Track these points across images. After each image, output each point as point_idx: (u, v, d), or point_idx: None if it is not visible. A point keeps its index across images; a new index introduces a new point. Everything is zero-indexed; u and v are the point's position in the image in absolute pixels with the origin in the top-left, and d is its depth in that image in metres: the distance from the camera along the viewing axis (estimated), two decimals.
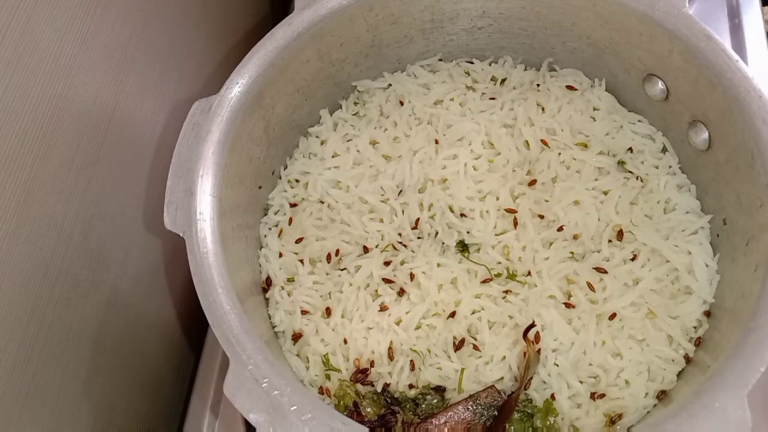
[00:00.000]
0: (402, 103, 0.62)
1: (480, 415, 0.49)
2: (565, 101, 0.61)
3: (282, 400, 0.42)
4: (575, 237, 0.54)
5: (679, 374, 0.51)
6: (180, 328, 0.65)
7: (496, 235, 0.55)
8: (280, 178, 0.61)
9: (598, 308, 0.51)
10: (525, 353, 0.50)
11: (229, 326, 0.44)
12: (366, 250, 0.56)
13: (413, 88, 0.63)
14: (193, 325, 0.66)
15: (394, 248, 0.55)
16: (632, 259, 0.53)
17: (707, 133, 0.54)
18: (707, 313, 0.52)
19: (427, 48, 0.64)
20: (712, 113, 0.52)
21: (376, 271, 0.54)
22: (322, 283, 0.55)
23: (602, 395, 0.49)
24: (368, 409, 0.50)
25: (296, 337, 0.54)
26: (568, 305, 0.52)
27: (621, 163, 0.58)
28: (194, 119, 0.51)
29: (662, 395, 0.50)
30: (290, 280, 0.56)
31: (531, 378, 0.50)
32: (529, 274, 0.53)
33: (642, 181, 0.57)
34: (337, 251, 0.56)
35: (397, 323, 0.52)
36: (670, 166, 0.58)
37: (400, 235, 0.56)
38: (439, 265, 0.54)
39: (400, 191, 0.58)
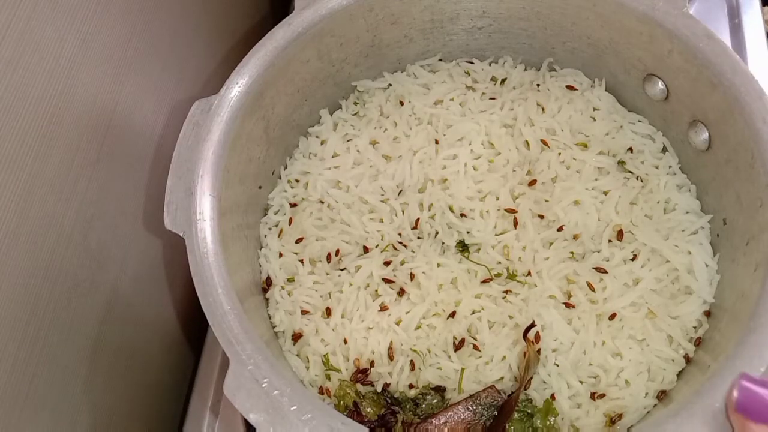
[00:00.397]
0: (402, 103, 0.62)
1: (480, 415, 0.49)
2: (565, 101, 0.61)
3: (282, 400, 0.42)
4: (575, 237, 0.54)
5: (679, 374, 0.51)
6: (180, 328, 0.65)
7: (496, 235, 0.55)
8: (280, 178, 0.61)
9: (598, 308, 0.51)
10: (525, 353, 0.50)
11: (229, 326, 0.44)
12: (366, 250, 0.56)
13: (413, 88, 0.63)
14: (193, 325, 0.66)
15: (394, 248, 0.55)
16: (632, 259, 0.53)
17: (707, 133, 0.54)
18: (707, 313, 0.52)
19: (427, 48, 0.64)
20: (712, 113, 0.52)
21: (376, 271, 0.54)
22: (322, 283, 0.55)
23: (602, 395, 0.49)
24: (368, 409, 0.50)
25: (296, 337, 0.54)
26: (568, 305, 0.52)
27: (621, 163, 0.58)
28: (194, 119, 0.51)
29: (662, 395, 0.50)
30: (290, 280, 0.56)
31: (531, 378, 0.50)
32: (529, 274, 0.53)
33: (642, 181, 0.57)
34: (337, 251, 0.56)
35: (397, 323, 0.52)
36: (670, 166, 0.58)
37: (400, 235, 0.56)
38: (439, 265, 0.54)
39: (400, 191, 0.58)
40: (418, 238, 0.56)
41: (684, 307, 0.51)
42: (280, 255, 0.57)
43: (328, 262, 0.56)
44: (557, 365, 0.50)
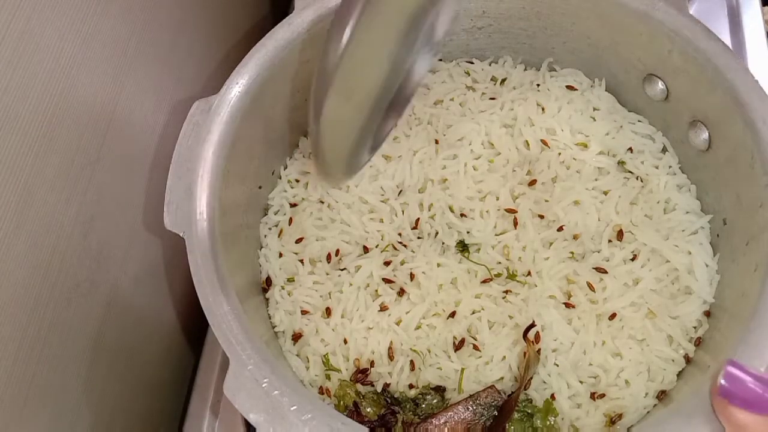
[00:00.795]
0: None
1: (480, 415, 0.49)
2: (565, 101, 0.61)
3: (282, 400, 0.42)
4: (575, 237, 0.54)
5: (679, 374, 0.51)
6: (180, 328, 0.65)
7: (496, 235, 0.55)
8: (280, 178, 0.61)
9: (598, 308, 0.51)
10: (525, 353, 0.50)
11: (229, 326, 0.44)
12: (366, 250, 0.56)
13: None
14: (193, 325, 0.66)
15: (394, 248, 0.55)
16: (632, 259, 0.53)
17: (707, 133, 0.54)
18: (707, 313, 0.52)
19: None
20: (712, 113, 0.53)
21: (376, 271, 0.54)
22: (322, 283, 0.55)
23: (602, 395, 0.49)
24: (368, 409, 0.50)
25: (296, 337, 0.54)
26: (568, 305, 0.52)
27: (621, 163, 0.58)
28: (194, 119, 0.51)
29: (662, 395, 0.50)
30: (290, 280, 0.56)
31: (531, 378, 0.50)
32: (529, 274, 0.53)
33: (642, 181, 0.57)
34: (337, 251, 0.56)
35: (397, 323, 0.52)
36: (670, 166, 0.58)
37: (400, 235, 0.56)
38: (439, 265, 0.54)
39: (400, 191, 0.58)
40: (418, 238, 0.56)
41: (684, 307, 0.51)
42: (280, 255, 0.57)
43: (328, 262, 0.56)
44: (557, 365, 0.50)
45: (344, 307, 0.53)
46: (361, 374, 0.51)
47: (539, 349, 0.50)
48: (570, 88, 0.62)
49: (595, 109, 0.61)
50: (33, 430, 0.44)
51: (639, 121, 0.60)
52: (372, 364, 0.52)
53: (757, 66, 0.71)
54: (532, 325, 0.50)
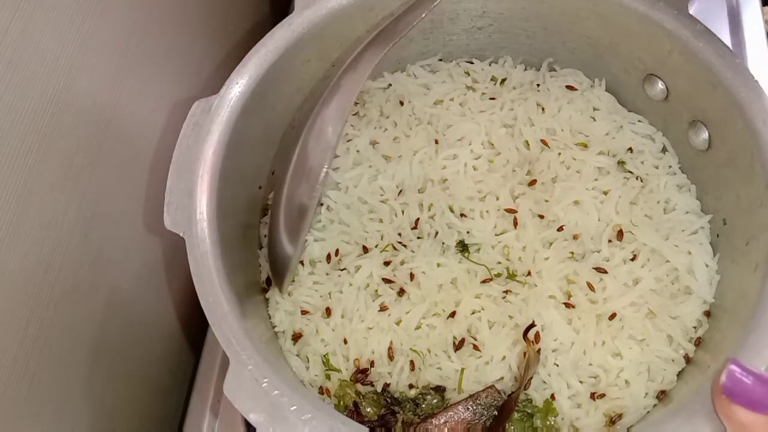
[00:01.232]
0: (402, 103, 0.62)
1: (480, 415, 0.49)
2: (565, 101, 0.61)
3: (282, 400, 0.42)
4: (575, 237, 0.54)
5: (679, 374, 0.51)
6: (180, 328, 0.65)
7: (496, 235, 0.55)
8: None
9: (598, 308, 0.51)
10: (525, 353, 0.50)
11: (229, 326, 0.44)
12: (366, 250, 0.56)
13: (413, 88, 0.63)
14: (193, 325, 0.66)
15: (394, 248, 0.55)
16: (632, 259, 0.53)
17: (707, 133, 0.54)
18: (707, 313, 0.52)
19: (427, 48, 0.64)
20: (712, 113, 0.53)
21: (376, 271, 0.54)
22: (322, 283, 0.55)
23: (602, 395, 0.49)
24: (368, 409, 0.50)
25: (296, 337, 0.54)
26: (568, 305, 0.52)
27: (621, 163, 0.58)
28: (194, 119, 0.51)
29: (662, 395, 0.50)
30: (290, 280, 0.56)
31: (531, 378, 0.50)
32: (529, 274, 0.53)
33: (642, 181, 0.57)
34: (337, 251, 0.56)
35: (397, 323, 0.52)
36: (670, 166, 0.58)
37: (399, 235, 0.56)
38: (439, 265, 0.54)
39: (400, 191, 0.58)
40: (418, 238, 0.56)
41: (684, 307, 0.51)
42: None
43: (328, 263, 0.56)
44: (557, 365, 0.50)
45: (344, 307, 0.53)
46: (361, 374, 0.51)
47: (539, 349, 0.50)
48: (570, 88, 0.62)
49: (595, 109, 0.61)
50: (33, 430, 0.44)
51: (639, 121, 0.60)
52: (372, 364, 0.52)
53: (757, 66, 0.71)
54: (532, 325, 0.50)
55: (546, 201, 0.56)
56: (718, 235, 0.54)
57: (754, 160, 0.48)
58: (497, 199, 0.56)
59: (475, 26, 0.63)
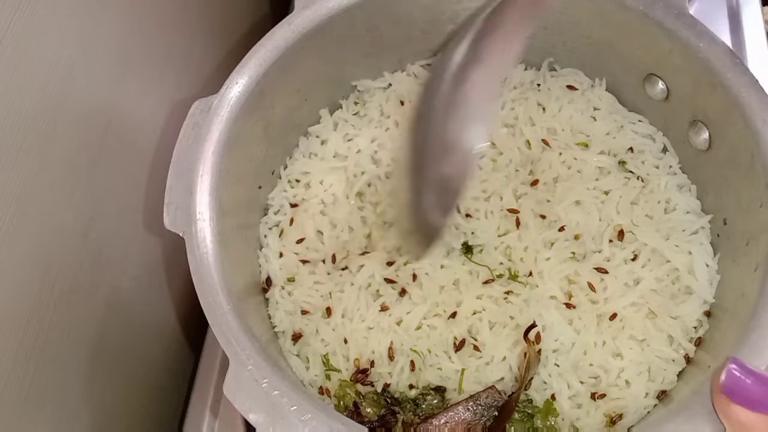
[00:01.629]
0: (402, 103, 0.62)
1: (480, 415, 0.48)
2: (565, 101, 0.60)
3: (282, 400, 0.42)
4: (576, 237, 0.54)
5: (680, 374, 0.51)
6: (180, 328, 0.65)
7: (499, 235, 0.55)
8: (280, 178, 0.61)
9: (598, 308, 0.51)
10: (525, 354, 0.50)
11: (228, 326, 0.44)
12: (368, 250, 0.56)
13: (413, 88, 0.63)
14: (193, 325, 0.66)
15: (398, 250, 0.55)
16: (633, 259, 0.53)
17: (707, 133, 0.54)
18: (707, 313, 0.52)
19: (427, 48, 0.64)
20: (713, 113, 0.52)
21: (379, 270, 0.54)
22: (322, 282, 0.55)
23: (603, 395, 0.49)
24: (368, 410, 0.50)
25: (296, 337, 0.54)
26: (568, 306, 0.52)
27: (622, 162, 0.58)
28: (194, 119, 0.51)
29: (662, 395, 0.50)
30: (290, 280, 0.56)
31: (531, 378, 0.50)
32: (530, 274, 0.53)
33: (643, 181, 0.57)
34: (339, 251, 0.56)
35: (398, 323, 0.52)
36: (670, 166, 0.58)
37: None
38: (443, 266, 0.54)
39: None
40: None
41: (684, 307, 0.51)
42: (281, 255, 0.57)
43: (333, 263, 0.56)
44: (558, 365, 0.50)
45: (345, 306, 0.53)
46: (361, 374, 0.51)
47: (540, 350, 0.50)
48: (570, 87, 0.62)
49: (595, 109, 0.61)
50: (33, 430, 0.44)
51: (639, 120, 0.60)
52: (372, 364, 0.52)
53: (757, 66, 0.71)
54: (533, 326, 0.50)
55: (548, 201, 0.56)
56: (718, 235, 0.54)
57: (754, 160, 0.48)
58: (501, 199, 0.56)
59: None
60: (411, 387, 0.51)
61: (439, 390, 0.50)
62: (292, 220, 0.58)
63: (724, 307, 0.51)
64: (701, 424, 0.40)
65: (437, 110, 0.45)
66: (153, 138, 0.57)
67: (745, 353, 0.42)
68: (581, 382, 0.50)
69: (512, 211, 0.55)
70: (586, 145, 0.58)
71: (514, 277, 0.53)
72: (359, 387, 0.51)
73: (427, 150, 0.45)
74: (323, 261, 0.56)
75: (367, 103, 0.63)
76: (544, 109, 0.60)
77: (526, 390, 0.49)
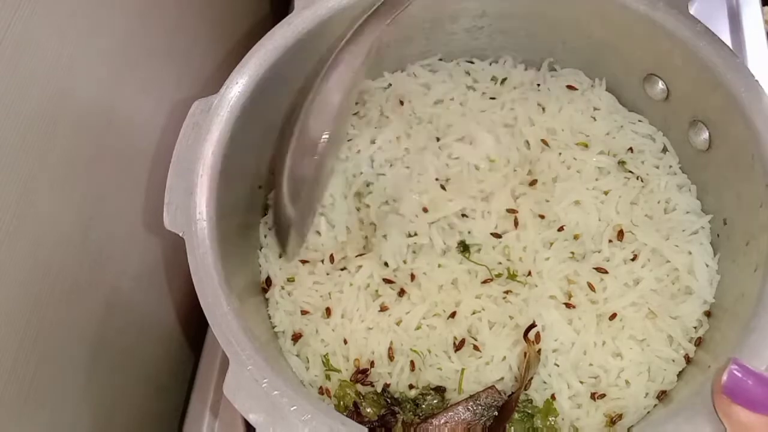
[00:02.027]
0: (402, 103, 0.62)
1: (480, 415, 0.49)
2: (565, 101, 0.61)
3: (282, 400, 0.42)
4: (576, 237, 0.54)
5: (680, 374, 0.51)
6: (180, 328, 0.65)
7: (496, 235, 0.55)
8: None
9: (598, 308, 0.51)
10: (525, 353, 0.50)
11: (228, 326, 0.44)
12: (366, 250, 0.56)
13: (413, 88, 0.63)
14: (193, 325, 0.66)
15: None
16: (633, 259, 0.53)
17: (707, 133, 0.54)
18: (707, 313, 0.52)
19: (427, 48, 0.64)
20: (713, 113, 0.53)
21: (377, 271, 0.54)
22: (322, 283, 0.55)
23: (602, 395, 0.49)
24: (368, 410, 0.50)
25: (296, 337, 0.54)
26: (568, 305, 0.52)
27: (621, 162, 0.58)
28: (194, 119, 0.51)
29: (662, 395, 0.50)
30: (290, 280, 0.56)
31: (531, 378, 0.50)
32: (529, 274, 0.53)
33: (642, 181, 0.57)
34: (337, 251, 0.56)
35: (398, 323, 0.52)
36: (670, 166, 0.58)
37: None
38: (440, 265, 0.54)
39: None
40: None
41: (684, 307, 0.51)
42: (280, 255, 0.57)
43: (332, 263, 0.56)
44: (557, 365, 0.50)
45: (344, 307, 0.53)
46: (361, 374, 0.51)
47: (539, 350, 0.50)
48: (570, 87, 0.62)
49: (595, 109, 0.61)
50: (33, 429, 0.44)
51: (639, 120, 0.60)
52: (372, 364, 0.52)
53: (757, 66, 0.71)
54: (533, 326, 0.50)
55: (547, 201, 0.56)
56: (718, 235, 0.54)
57: (754, 160, 0.48)
58: (499, 199, 0.56)
59: (476, 26, 0.63)
60: (411, 387, 0.51)
61: (439, 390, 0.50)
62: None
63: (724, 307, 0.51)
64: (701, 424, 0.40)
65: (303, 112, 0.51)
66: (153, 138, 0.57)
67: (746, 353, 0.42)
68: (581, 382, 0.50)
69: (511, 210, 0.55)
70: (586, 145, 0.58)
71: (512, 276, 0.53)
72: (359, 387, 0.51)
73: (289, 151, 0.50)
74: (322, 261, 0.56)
75: (367, 103, 0.63)
76: (543, 109, 0.60)
77: (526, 390, 0.49)
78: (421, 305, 0.52)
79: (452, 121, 0.60)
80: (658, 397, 0.50)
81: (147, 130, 0.56)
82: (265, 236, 0.58)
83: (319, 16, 0.55)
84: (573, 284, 0.53)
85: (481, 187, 0.57)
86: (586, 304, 0.52)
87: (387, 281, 0.54)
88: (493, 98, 0.62)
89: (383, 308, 0.53)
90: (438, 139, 0.59)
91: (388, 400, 0.51)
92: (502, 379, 0.51)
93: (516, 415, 0.49)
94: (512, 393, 0.50)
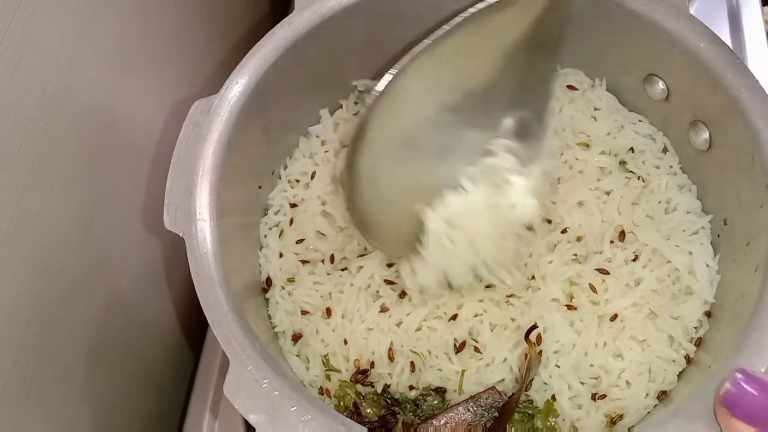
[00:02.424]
0: None
1: (480, 416, 0.48)
2: (566, 101, 0.60)
3: (282, 400, 0.42)
4: (579, 239, 0.54)
5: (680, 374, 0.50)
6: (180, 328, 0.65)
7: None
8: (280, 178, 0.61)
9: (599, 309, 0.51)
10: (526, 355, 0.50)
11: (228, 326, 0.44)
12: (367, 250, 0.56)
13: None
14: (193, 325, 0.66)
15: None
16: (634, 260, 0.53)
17: (708, 133, 0.54)
18: (708, 314, 0.52)
19: None
20: (713, 113, 0.52)
21: (378, 272, 0.54)
22: (322, 283, 0.55)
23: (603, 396, 0.49)
24: (368, 410, 0.50)
25: (296, 337, 0.54)
26: (570, 307, 0.52)
27: (622, 163, 0.58)
28: (194, 119, 0.51)
29: (663, 395, 0.50)
30: (290, 280, 0.56)
31: (532, 379, 0.49)
32: (533, 278, 0.53)
33: (643, 181, 0.56)
34: (338, 252, 0.56)
35: (398, 325, 0.52)
36: (671, 166, 0.58)
37: None
38: None
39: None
40: None
41: (685, 308, 0.51)
42: (281, 255, 0.57)
43: (332, 263, 0.56)
44: (558, 366, 0.50)
45: (344, 307, 0.53)
46: (362, 375, 0.51)
47: (540, 351, 0.50)
48: (571, 87, 0.62)
49: (596, 109, 0.61)
50: (33, 430, 0.44)
51: (640, 120, 0.60)
52: (372, 364, 0.52)
53: (757, 66, 0.70)
54: (534, 327, 0.50)
55: (553, 203, 0.55)
56: (718, 236, 0.54)
57: (755, 160, 0.48)
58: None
59: None
60: (411, 388, 0.51)
61: (440, 391, 0.50)
62: (291, 221, 0.58)
63: (725, 307, 0.51)
64: (701, 424, 0.40)
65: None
66: (153, 138, 0.57)
67: (746, 353, 0.42)
68: (582, 383, 0.50)
69: None
70: (587, 145, 0.58)
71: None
72: (359, 387, 0.51)
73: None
74: (322, 261, 0.56)
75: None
76: None
77: (526, 391, 0.49)
78: (422, 307, 0.52)
79: None
80: (658, 398, 0.50)
81: (147, 131, 0.56)
82: (265, 236, 0.58)
83: (319, 16, 0.55)
84: (575, 286, 0.53)
85: None
86: (587, 306, 0.51)
87: (388, 282, 0.54)
88: None
89: (383, 309, 0.53)
90: None
91: (389, 400, 0.51)
92: (503, 380, 0.50)
93: (516, 416, 0.49)
94: (513, 394, 0.50)
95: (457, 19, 0.48)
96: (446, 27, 0.49)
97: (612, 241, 0.54)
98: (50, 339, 0.45)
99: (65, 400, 0.47)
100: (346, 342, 0.52)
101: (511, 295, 0.52)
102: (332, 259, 0.56)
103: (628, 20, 0.55)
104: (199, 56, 0.65)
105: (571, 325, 0.51)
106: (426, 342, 0.52)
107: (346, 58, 0.61)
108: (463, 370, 0.50)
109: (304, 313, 0.54)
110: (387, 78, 0.47)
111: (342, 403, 0.51)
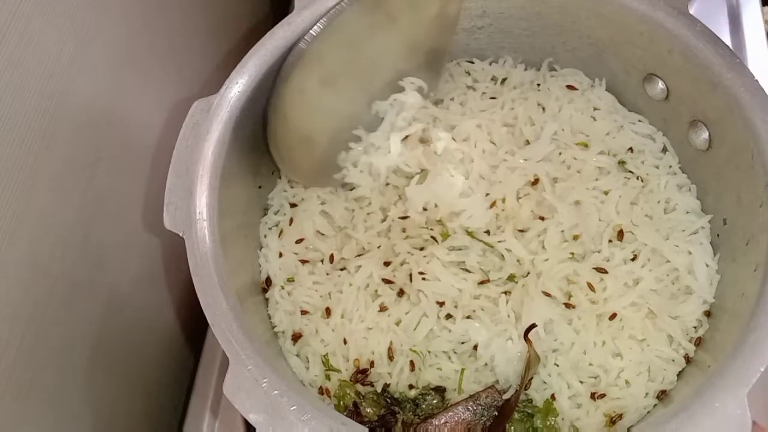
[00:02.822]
0: None
1: (480, 415, 0.49)
2: (565, 101, 0.60)
3: (282, 400, 0.42)
4: (576, 237, 0.54)
5: (679, 374, 0.51)
6: (180, 328, 0.65)
7: (496, 236, 0.55)
8: (280, 178, 0.61)
9: (598, 308, 0.51)
10: (526, 354, 0.50)
11: (228, 326, 0.44)
12: (365, 250, 0.56)
13: None
14: (193, 325, 0.66)
15: (394, 250, 0.55)
16: (632, 259, 0.53)
17: (707, 133, 0.54)
18: (707, 313, 0.52)
19: None
20: (713, 113, 0.52)
21: (376, 271, 0.54)
22: (321, 283, 0.55)
23: (602, 395, 0.49)
24: (368, 410, 0.50)
25: (296, 337, 0.54)
26: (568, 306, 0.52)
27: (621, 162, 0.58)
28: (194, 119, 0.51)
29: (662, 395, 0.50)
30: (290, 280, 0.56)
31: (531, 378, 0.50)
32: (527, 275, 0.53)
33: (642, 180, 0.56)
34: (337, 251, 0.56)
35: (397, 324, 0.52)
36: (670, 166, 0.58)
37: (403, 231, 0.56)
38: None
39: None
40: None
41: (684, 307, 0.51)
42: (280, 255, 0.57)
43: (331, 263, 0.56)
44: (557, 365, 0.50)
45: (344, 307, 0.53)
46: (361, 374, 0.51)
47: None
48: (570, 87, 0.62)
49: (595, 109, 0.61)
50: (33, 430, 0.44)
51: (639, 120, 0.60)
52: (372, 364, 0.52)
53: (757, 66, 0.71)
54: (533, 326, 0.50)
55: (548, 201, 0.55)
56: (718, 235, 0.54)
57: (754, 160, 0.48)
58: (503, 200, 0.56)
59: (476, 26, 0.63)
60: (411, 387, 0.51)
61: (439, 390, 0.50)
62: (291, 220, 0.58)
63: (724, 307, 0.51)
64: (701, 424, 0.40)
65: None
66: (153, 138, 0.57)
67: (746, 353, 0.42)
68: (581, 382, 0.50)
69: (512, 211, 0.55)
70: (586, 145, 0.58)
71: (512, 277, 0.53)
72: (359, 387, 0.51)
73: None
74: (322, 261, 0.56)
75: None
76: (543, 108, 0.60)
77: (526, 390, 0.49)
78: (421, 306, 0.52)
79: (452, 120, 0.60)
80: (657, 397, 0.50)
81: (147, 131, 0.56)
82: (265, 236, 0.58)
83: (319, 16, 0.55)
84: (573, 284, 0.53)
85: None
86: (585, 304, 0.51)
87: (386, 281, 0.54)
88: (493, 98, 0.62)
89: (383, 308, 0.53)
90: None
91: (388, 400, 0.51)
92: (503, 379, 0.50)
93: (516, 415, 0.49)
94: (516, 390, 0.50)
95: None
96: None
97: (610, 241, 0.54)
98: (50, 339, 0.45)
99: (65, 400, 0.47)
100: (345, 341, 0.52)
101: (507, 293, 0.52)
102: (331, 258, 0.56)
103: (628, 20, 0.55)
104: (199, 56, 0.65)
105: (569, 324, 0.51)
106: (425, 342, 0.52)
107: None
108: (463, 369, 0.50)
109: (303, 312, 0.54)
110: (316, 29, 0.52)
111: (342, 402, 0.51)
